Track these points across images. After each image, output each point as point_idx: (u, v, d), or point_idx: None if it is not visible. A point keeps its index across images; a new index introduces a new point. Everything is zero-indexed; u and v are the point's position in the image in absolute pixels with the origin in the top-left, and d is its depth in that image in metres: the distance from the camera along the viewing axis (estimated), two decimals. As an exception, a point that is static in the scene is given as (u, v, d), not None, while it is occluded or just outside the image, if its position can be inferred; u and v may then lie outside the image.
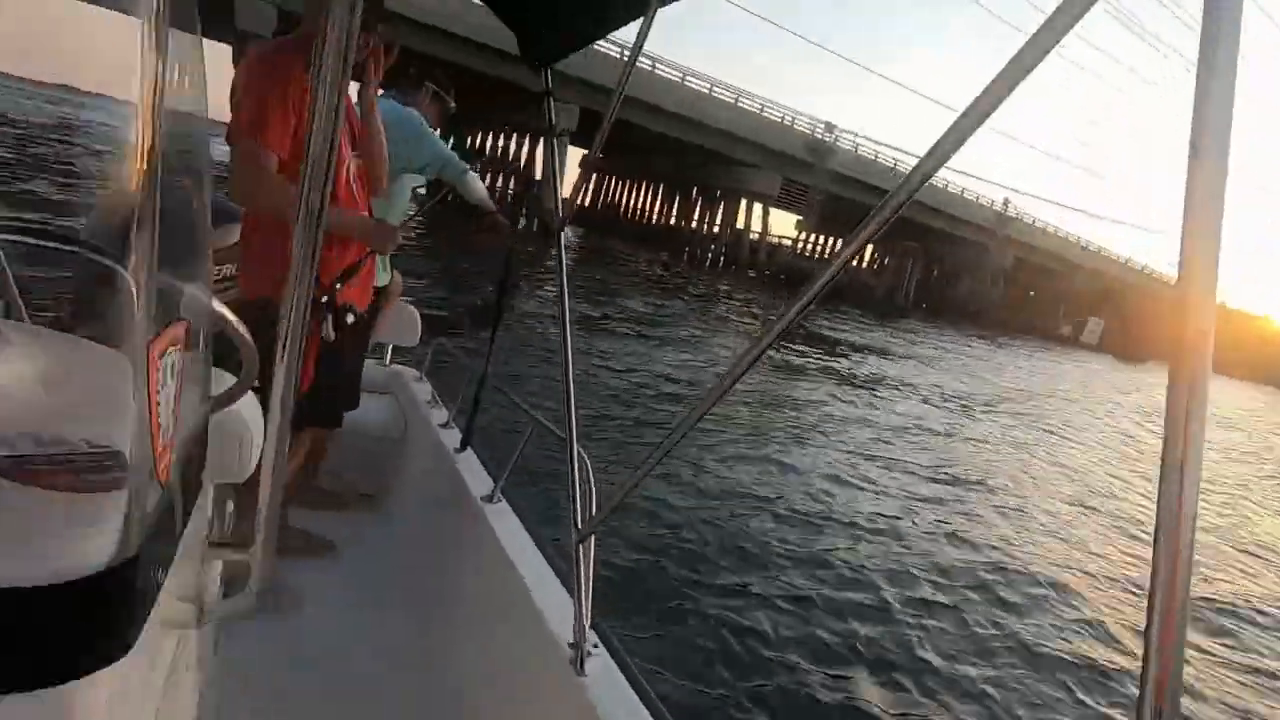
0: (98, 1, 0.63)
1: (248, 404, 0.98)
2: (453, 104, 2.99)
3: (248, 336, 0.88)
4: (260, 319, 1.82)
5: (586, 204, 60.28)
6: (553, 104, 1.81)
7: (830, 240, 52.05)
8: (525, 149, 40.67)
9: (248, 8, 22.57)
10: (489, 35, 25.46)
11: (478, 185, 2.98)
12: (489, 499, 2.13)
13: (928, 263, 43.25)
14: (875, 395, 11.89)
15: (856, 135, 39.25)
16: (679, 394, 8.94)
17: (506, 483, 2.17)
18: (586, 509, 1.50)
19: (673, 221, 49.05)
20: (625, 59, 1.75)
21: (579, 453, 1.55)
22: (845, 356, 15.84)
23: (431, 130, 2.84)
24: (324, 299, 1.93)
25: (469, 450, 2.48)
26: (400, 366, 3.32)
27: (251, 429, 0.95)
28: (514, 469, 2.16)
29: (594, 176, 61.73)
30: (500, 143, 41.92)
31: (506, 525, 1.96)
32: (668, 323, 14.56)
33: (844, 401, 10.78)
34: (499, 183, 39.07)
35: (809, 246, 51.13)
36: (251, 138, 1.75)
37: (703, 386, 9.30)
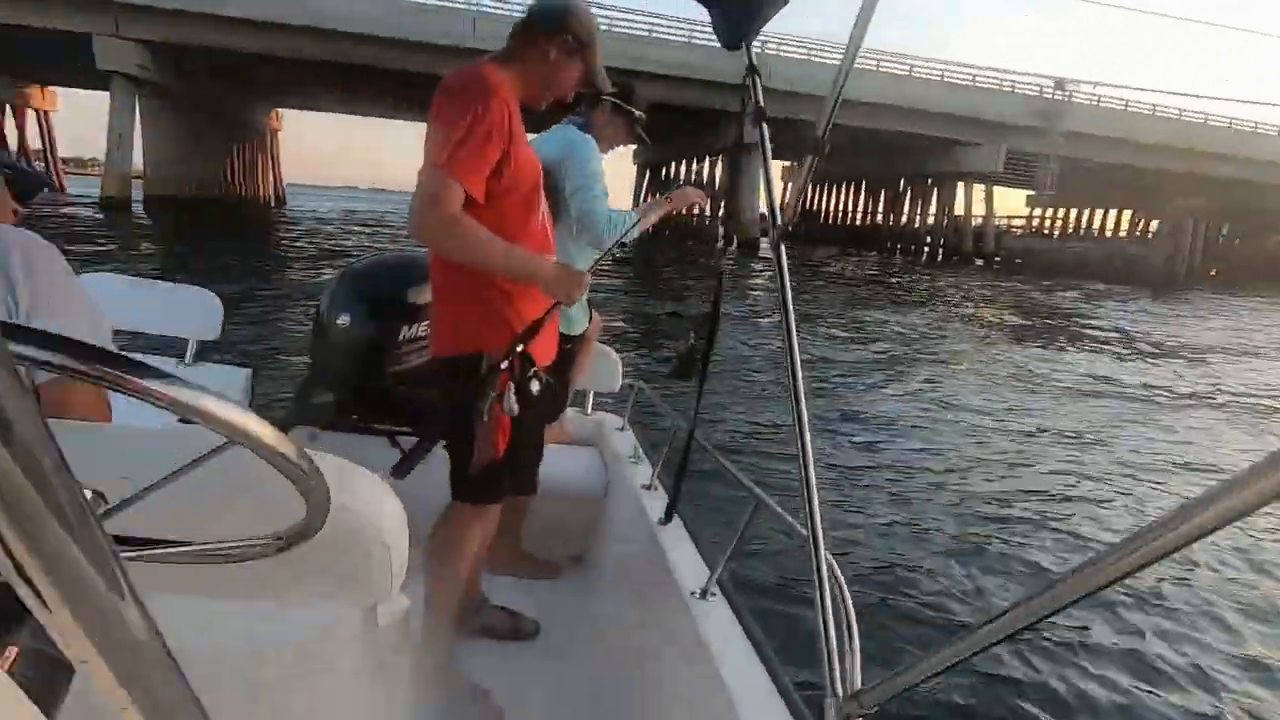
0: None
1: (391, 512, 0.96)
2: (640, 113, 2.46)
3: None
4: (450, 380, 1.62)
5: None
6: (758, 82, 1.33)
7: (1072, 212, 45.28)
8: (706, 169, 40.75)
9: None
10: (653, 64, 25.94)
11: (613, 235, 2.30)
12: (701, 595, 1.62)
13: (1216, 220, 35.37)
14: (1184, 404, 9.32)
15: (1096, 85, 33.76)
16: (965, 464, 5.81)
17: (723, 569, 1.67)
18: (848, 664, 0.90)
19: (878, 219, 46.05)
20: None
21: (829, 566, 0.97)
22: (1135, 350, 12.98)
23: (593, 155, 2.32)
24: (506, 361, 1.59)
25: (675, 522, 1.99)
26: (603, 415, 3.02)
27: (391, 539, 0.93)
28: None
29: (787, 184, 60.59)
30: (683, 169, 42.52)
31: (720, 626, 1.55)
32: (903, 339, 12.06)
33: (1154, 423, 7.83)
34: (706, 209, 39.35)
35: (1045, 222, 44.85)
36: (436, 166, 1.46)
37: (1000, 458, 6.11)
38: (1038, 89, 33.53)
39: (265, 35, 25.78)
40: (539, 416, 1.87)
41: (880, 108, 29.50)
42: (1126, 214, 44.19)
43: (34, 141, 42.73)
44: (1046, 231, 43.79)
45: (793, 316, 1.17)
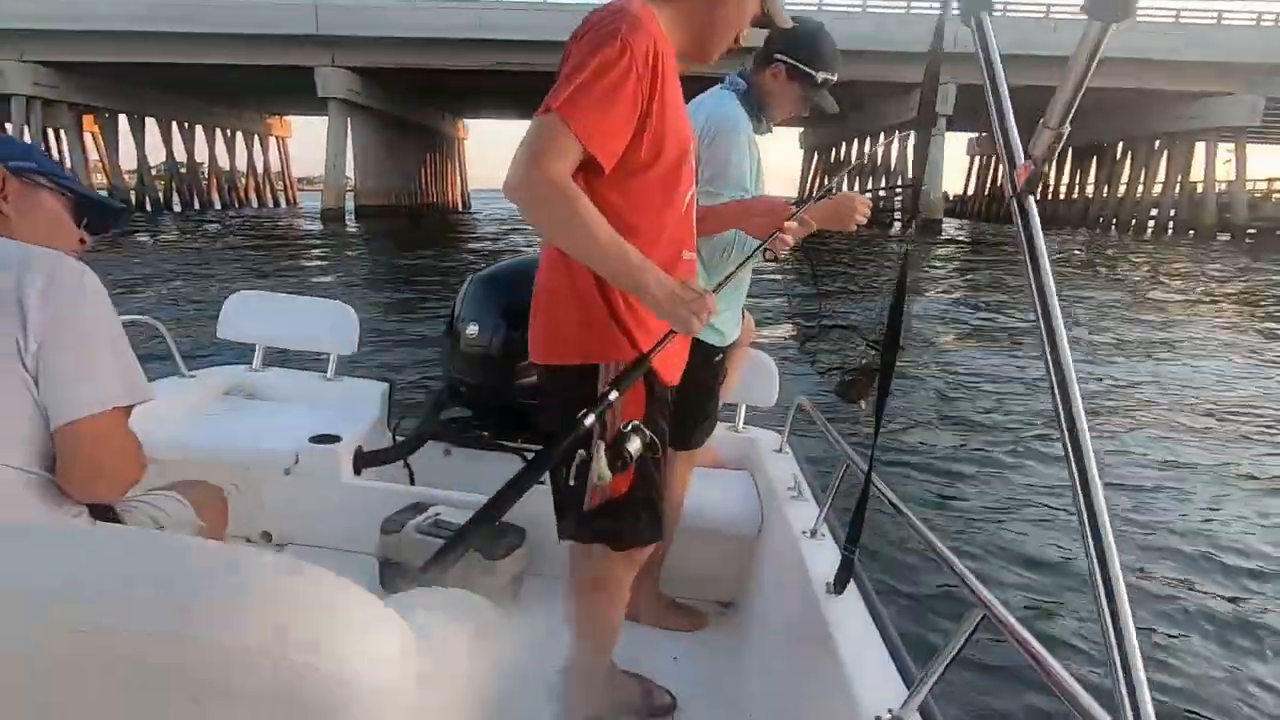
0: None
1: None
2: (825, 76, 1.84)
3: None
4: (551, 393, 1.36)
5: (969, 192, 53.92)
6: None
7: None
8: (882, 149, 37.80)
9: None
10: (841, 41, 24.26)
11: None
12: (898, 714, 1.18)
13: None
14: None
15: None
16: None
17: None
18: None
19: (1088, 191, 40.36)
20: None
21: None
22: None
23: (735, 143, 1.76)
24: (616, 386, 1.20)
25: (851, 591, 1.55)
26: (757, 432, 2.59)
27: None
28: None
29: (976, 160, 54.88)
30: (854, 149, 39.87)
31: None
32: (1141, 338, 9.61)
33: None
34: (867, 185, 36.62)
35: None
36: (548, 110, 1.12)
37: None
38: (1310, 20, 27.35)
39: (449, 51, 27.86)
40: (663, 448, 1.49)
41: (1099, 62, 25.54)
42: None
43: (275, 164, 49.87)
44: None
45: (1052, 297, 0.80)
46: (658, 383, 1.37)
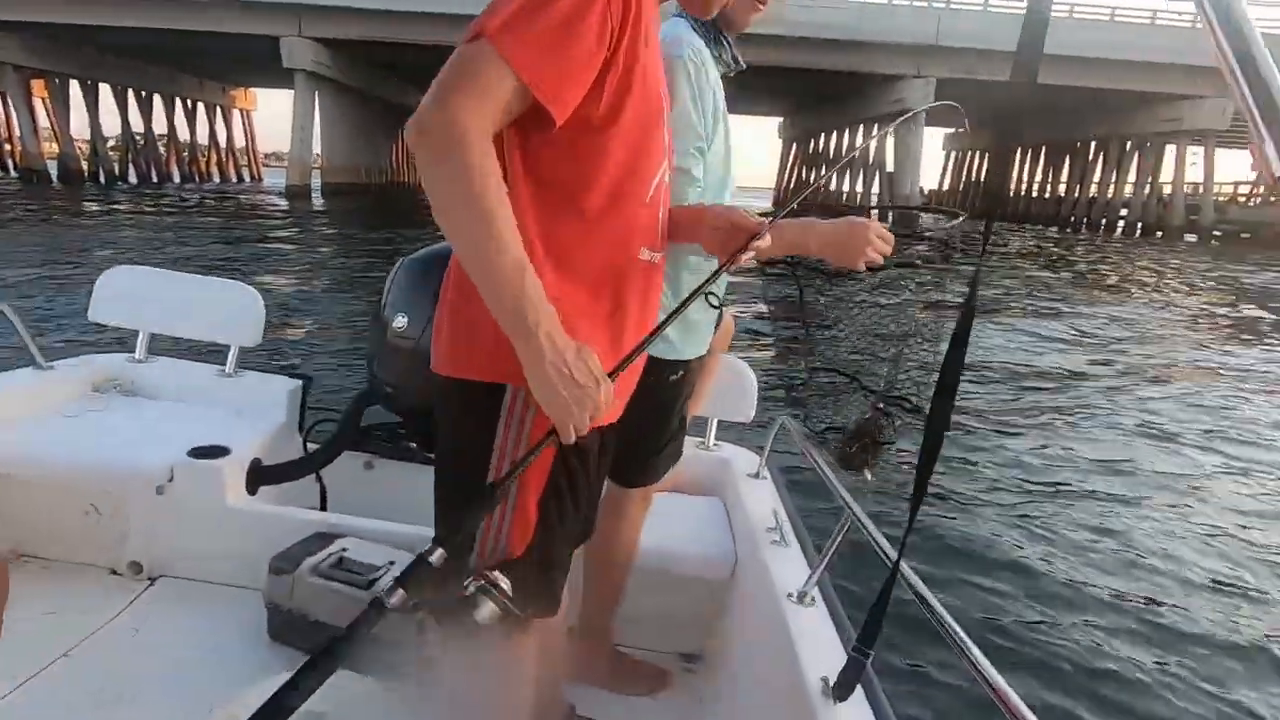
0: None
1: None
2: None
3: None
4: (446, 409, 1.04)
5: (945, 187, 54.17)
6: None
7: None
8: (867, 142, 37.70)
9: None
10: (788, 26, 24.02)
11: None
12: None
13: None
14: None
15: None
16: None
17: None
18: None
19: (1060, 190, 40.80)
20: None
21: None
22: None
23: (683, 71, 1.33)
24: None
25: (858, 697, 1.20)
26: (731, 450, 2.23)
27: None
28: None
29: (952, 155, 54.90)
30: (834, 140, 39.72)
31: None
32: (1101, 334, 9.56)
33: None
34: (858, 185, 36.47)
35: (1280, 190, 37.41)
36: (490, 39, 0.81)
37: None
38: (1281, 27, 27.75)
39: (423, 24, 26.93)
40: (596, 476, 1.12)
41: (1065, 61, 25.71)
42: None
43: (239, 138, 48.14)
44: (1281, 200, 36.60)
45: None
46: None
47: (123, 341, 2.31)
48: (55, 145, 33.71)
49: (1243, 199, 35.16)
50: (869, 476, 1.43)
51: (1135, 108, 30.53)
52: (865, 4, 28.02)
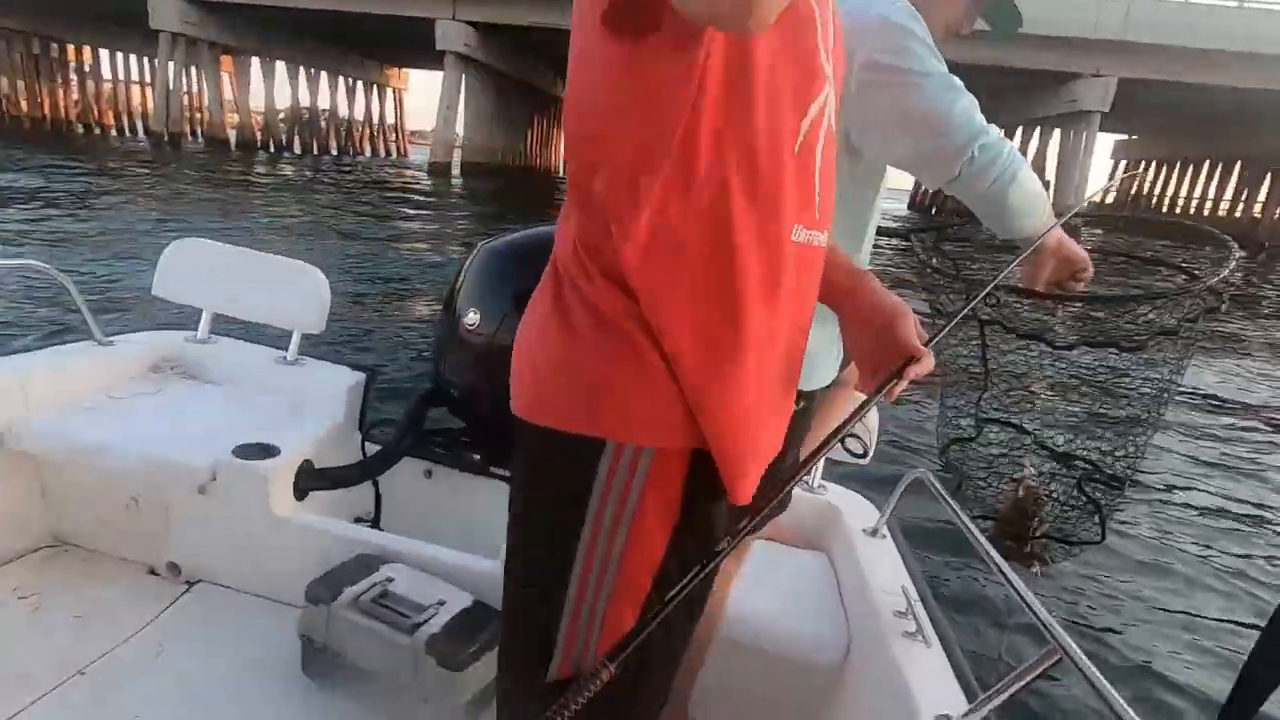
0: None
1: None
2: None
3: None
4: (529, 456, 0.78)
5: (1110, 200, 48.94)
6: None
7: None
8: (1035, 143, 34.58)
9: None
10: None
11: (1024, 191, 1.09)
12: None
13: None
14: None
15: None
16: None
17: None
18: None
19: (1239, 210, 35.74)
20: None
21: None
22: None
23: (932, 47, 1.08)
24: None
25: None
26: (841, 494, 1.86)
27: None
28: None
29: (1118, 164, 49.47)
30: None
31: None
32: None
33: None
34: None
35: None
36: None
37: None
38: None
39: (568, 8, 27.39)
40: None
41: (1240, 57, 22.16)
42: None
43: (389, 116, 51.38)
44: None
45: None
46: (715, 503, 0.73)
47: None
48: (235, 116, 37.31)
49: None
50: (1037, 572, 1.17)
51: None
52: (1037, -6, 25.46)
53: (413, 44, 33.42)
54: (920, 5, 1.10)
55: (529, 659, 0.74)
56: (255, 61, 37.43)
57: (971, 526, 1.15)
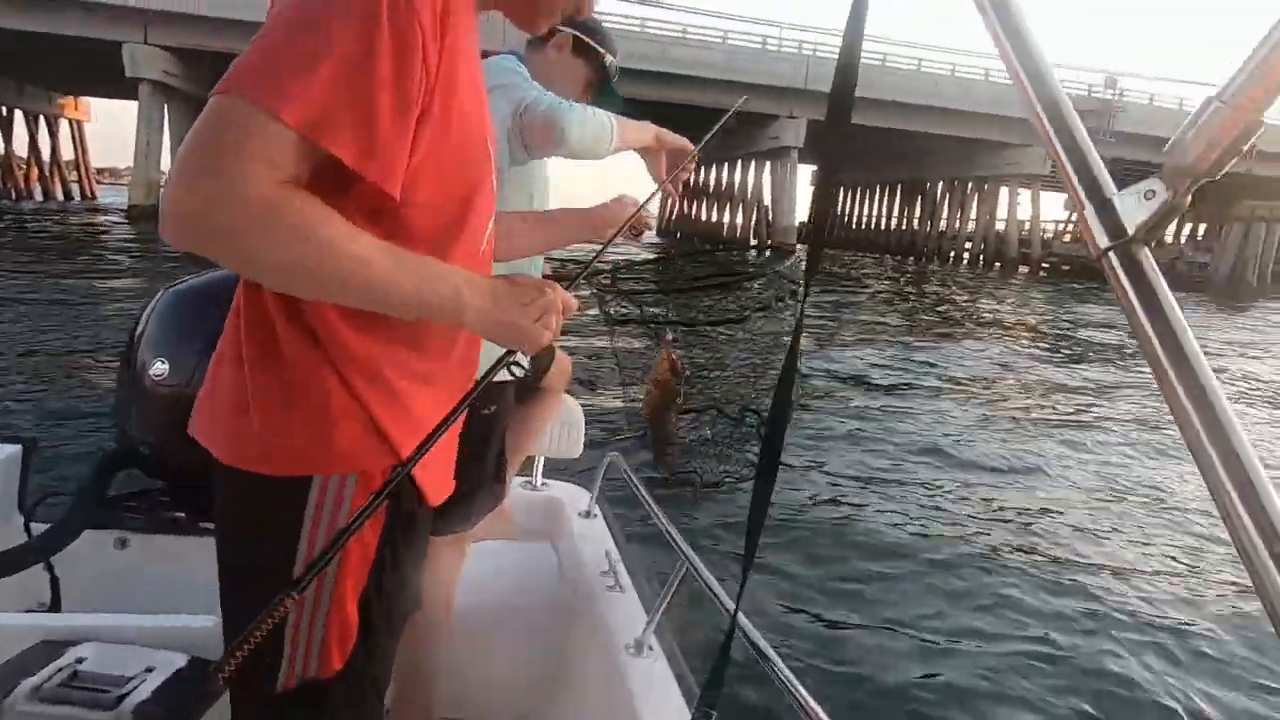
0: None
1: None
2: (610, 57, 1.54)
3: None
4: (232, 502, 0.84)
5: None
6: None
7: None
8: (740, 176, 39.78)
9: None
10: (686, 66, 25.15)
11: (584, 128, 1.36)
12: None
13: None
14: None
15: (1150, 79, 32.38)
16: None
17: None
18: None
19: (915, 224, 44.52)
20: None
21: None
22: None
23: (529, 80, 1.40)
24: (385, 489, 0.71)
25: None
26: (560, 488, 2.13)
27: None
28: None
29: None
30: (713, 174, 41.56)
31: None
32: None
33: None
34: (738, 218, 38.66)
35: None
36: (232, 91, 0.70)
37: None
38: (1086, 88, 31.88)
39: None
40: (413, 562, 0.94)
41: (915, 109, 28.45)
42: (1173, 225, 41.84)
43: (67, 152, 43.31)
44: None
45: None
46: (417, 503, 0.87)
47: None
48: None
49: (1068, 236, 39.71)
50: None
51: (979, 153, 33.91)
52: (732, 49, 29.40)
53: (93, 68, 28.72)
54: (540, 78, 1.40)
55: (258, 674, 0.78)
56: None
57: (647, 496, 1.43)
